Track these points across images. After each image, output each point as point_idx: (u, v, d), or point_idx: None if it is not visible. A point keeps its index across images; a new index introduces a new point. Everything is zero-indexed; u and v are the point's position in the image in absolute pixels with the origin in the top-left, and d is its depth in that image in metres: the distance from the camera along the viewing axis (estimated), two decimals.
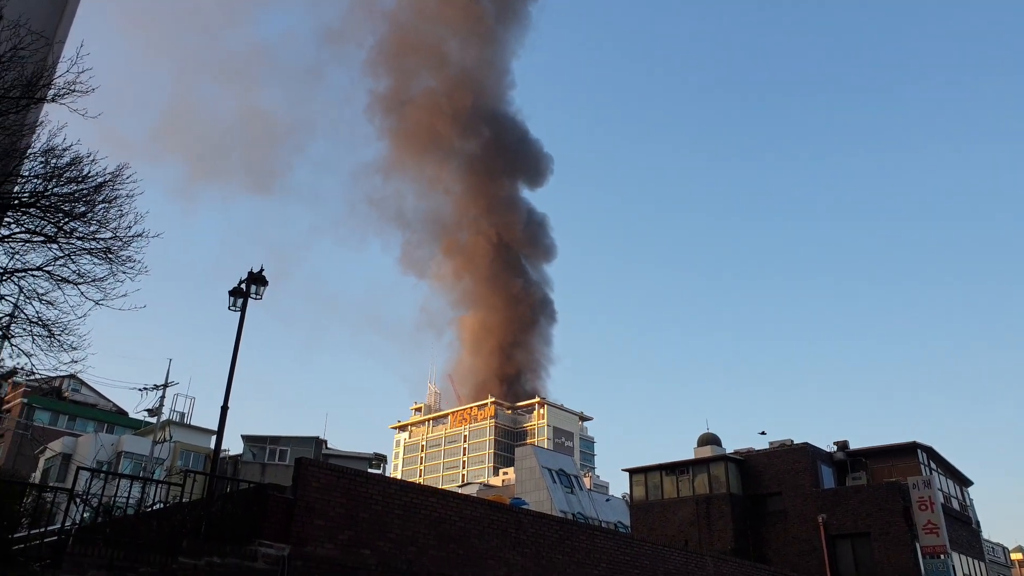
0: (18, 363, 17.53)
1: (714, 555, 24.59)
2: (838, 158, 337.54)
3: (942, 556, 33.11)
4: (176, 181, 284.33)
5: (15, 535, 12.63)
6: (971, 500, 44.12)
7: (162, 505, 13.33)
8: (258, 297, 21.76)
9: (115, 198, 15.45)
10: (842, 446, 40.77)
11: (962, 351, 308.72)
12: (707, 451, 42.26)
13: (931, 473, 37.90)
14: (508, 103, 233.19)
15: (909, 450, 38.85)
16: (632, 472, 43.33)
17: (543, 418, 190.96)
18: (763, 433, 60.71)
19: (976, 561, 39.17)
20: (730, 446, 43.67)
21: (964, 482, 43.91)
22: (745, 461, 40.09)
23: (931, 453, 39.58)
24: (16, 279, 15.14)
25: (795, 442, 40.46)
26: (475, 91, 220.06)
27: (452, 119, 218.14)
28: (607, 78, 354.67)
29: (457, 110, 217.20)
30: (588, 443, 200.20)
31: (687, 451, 46.46)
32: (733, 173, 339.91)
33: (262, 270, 21.83)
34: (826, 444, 40.76)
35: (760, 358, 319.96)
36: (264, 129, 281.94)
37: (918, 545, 33.64)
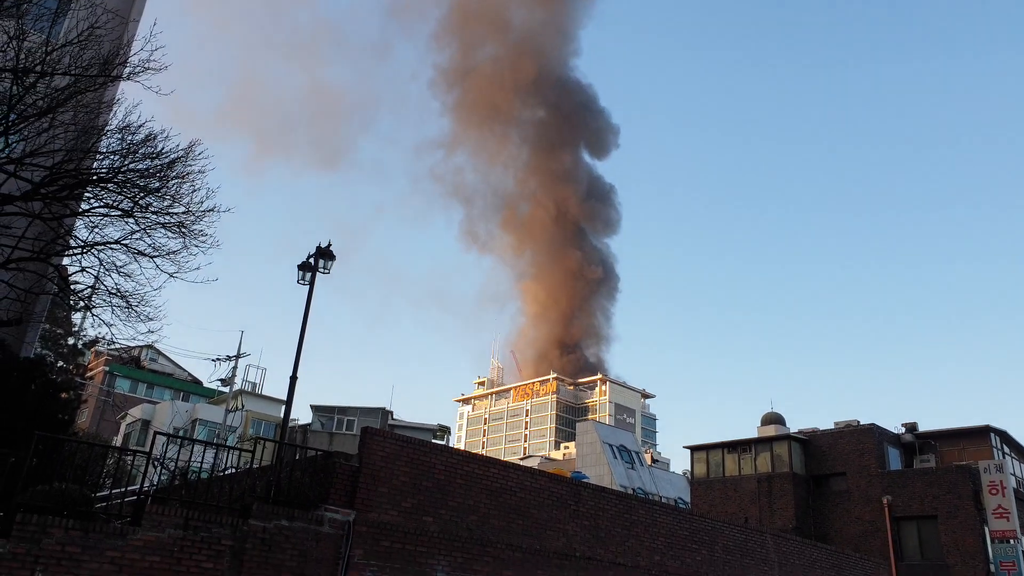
0: (99, 332, 18.38)
1: (774, 533, 24.38)
2: (934, 149, 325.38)
3: (1011, 541, 32.26)
4: (242, 157, 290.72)
5: (98, 494, 13.32)
6: None
7: (234, 470, 13.85)
8: (326, 271, 22.24)
9: (187, 174, 15.95)
10: (910, 428, 39.84)
11: None
12: (771, 430, 41.75)
13: (1004, 457, 36.78)
14: (573, 71, 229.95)
15: (981, 433, 37.82)
16: (694, 449, 43.11)
17: (605, 395, 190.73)
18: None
19: None
20: (794, 426, 43.08)
21: None
22: (809, 441, 39.48)
23: (1004, 437, 38.44)
24: (96, 252, 15.81)
25: (861, 423, 39.67)
26: (539, 60, 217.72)
27: (515, 90, 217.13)
28: (685, 44, 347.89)
29: (520, 80, 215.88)
30: (650, 420, 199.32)
31: (749, 430, 45.95)
32: (814, 154, 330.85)
33: (329, 245, 22.27)
34: (893, 426, 39.90)
35: (828, 337, 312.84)
36: (330, 105, 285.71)
37: (987, 529, 32.81)
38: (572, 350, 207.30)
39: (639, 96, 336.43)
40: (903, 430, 39.75)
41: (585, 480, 30.04)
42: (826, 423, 49.88)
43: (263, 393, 58.09)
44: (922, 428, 39.82)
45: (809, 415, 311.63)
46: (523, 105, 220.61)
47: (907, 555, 34.34)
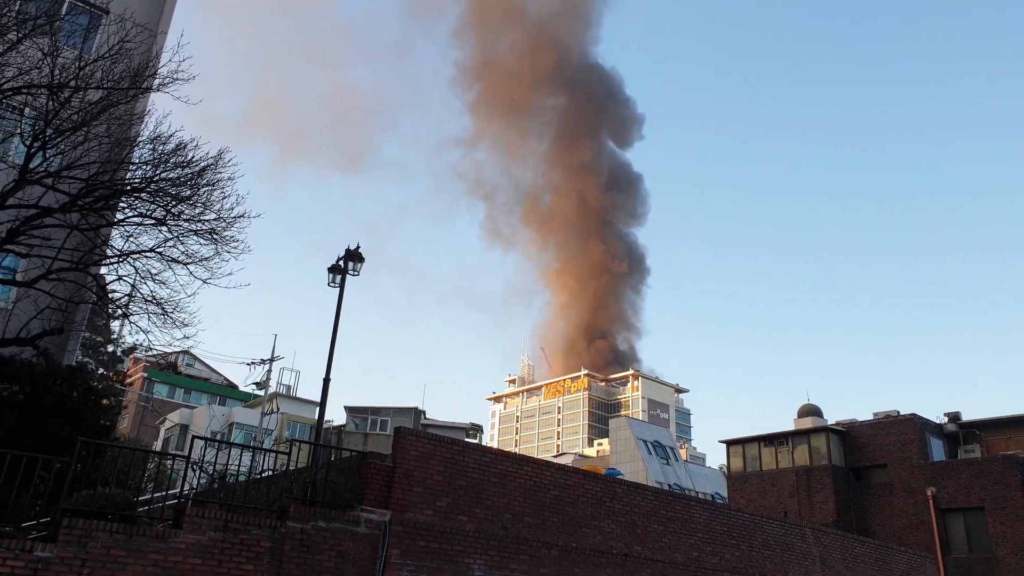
0: (137, 339, 18.72)
1: (814, 527, 24.07)
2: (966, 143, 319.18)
3: None
4: (267, 162, 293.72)
5: (141, 498, 13.57)
6: None
7: (271, 472, 14.02)
8: (355, 273, 22.42)
9: (217, 181, 16.18)
10: (953, 418, 39.05)
11: None
12: (808, 422, 41.21)
13: None
14: (594, 58, 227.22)
15: None
16: (729, 443, 42.71)
17: (637, 390, 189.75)
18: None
19: None
20: (831, 417, 42.49)
21: None
22: (848, 433, 38.90)
23: None
24: (131, 260, 16.12)
25: (901, 413, 39.00)
26: (558, 48, 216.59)
27: (534, 81, 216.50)
28: (710, 26, 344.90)
29: (539, 70, 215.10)
30: (684, 415, 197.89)
31: (786, 422, 45.41)
32: (848, 145, 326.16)
33: (358, 247, 22.45)
34: (935, 416, 39.14)
35: (863, 328, 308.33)
36: (352, 107, 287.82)
37: None
38: (602, 336, 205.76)
39: (668, 84, 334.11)
40: (945, 420, 38.97)
41: (620, 477, 29.93)
42: (864, 414, 49.23)
43: (297, 395, 58.76)
44: (965, 418, 39.03)
45: (846, 407, 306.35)
46: (543, 96, 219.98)
47: (954, 548, 33.69)
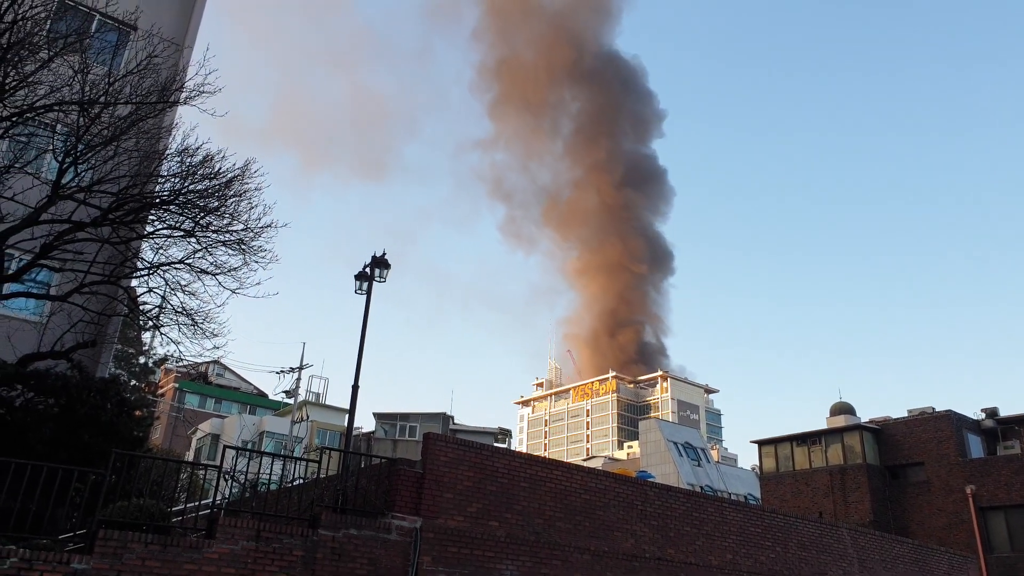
0: (168, 351, 18.94)
1: (850, 527, 23.70)
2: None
3: None
4: (290, 169, 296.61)
5: (174, 508, 13.69)
6: None
7: (302, 480, 14.09)
8: (382, 280, 22.50)
9: (244, 192, 16.33)
10: (991, 413, 38.29)
11: None
12: (840, 420, 40.67)
13: None
14: (614, 54, 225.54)
15: None
16: (761, 444, 42.27)
17: (666, 391, 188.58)
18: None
19: None
20: (864, 415, 41.87)
21: None
22: (882, 430, 38.32)
23: None
24: (161, 272, 16.31)
25: (936, 410, 38.33)
26: (576, 47, 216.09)
27: (552, 78, 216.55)
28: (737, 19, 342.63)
29: (558, 67, 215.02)
30: (714, 415, 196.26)
31: (818, 421, 44.84)
32: (875, 141, 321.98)
33: (384, 254, 22.53)
34: (972, 412, 38.43)
35: (894, 324, 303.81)
36: (373, 113, 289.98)
37: None
38: (626, 334, 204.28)
39: (693, 77, 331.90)
40: (983, 416, 38.23)
41: (651, 479, 29.72)
42: (898, 412, 48.49)
43: (327, 403, 59.04)
44: (1003, 413, 38.26)
45: (880, 404, 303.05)
46: (562, 93, 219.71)
47: (996, 547, 33.01)
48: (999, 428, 37.48)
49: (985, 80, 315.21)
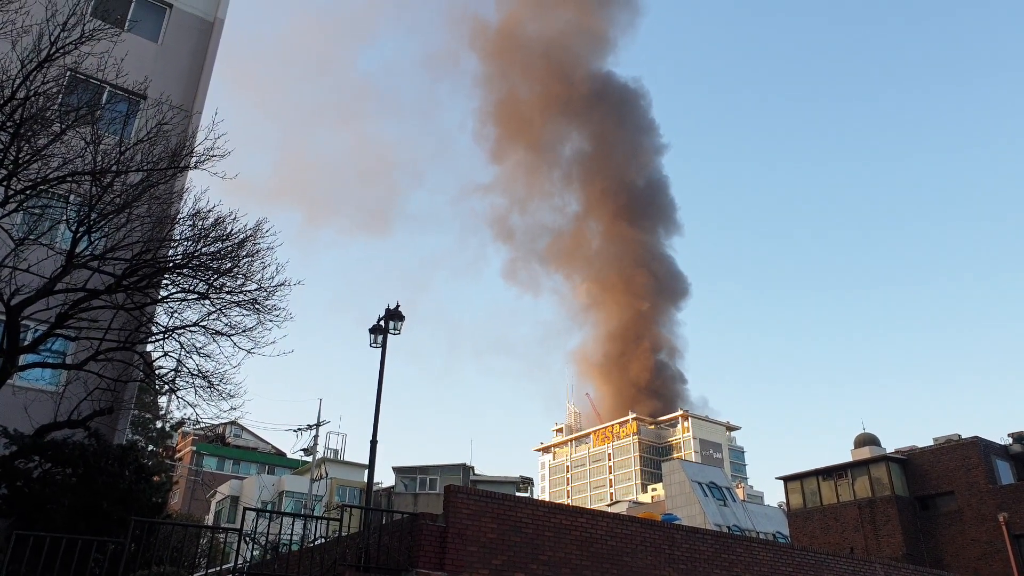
0: (185, 414, 18.90)
1: (884, 561, 23.12)
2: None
3: None
4: (295, 225, 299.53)
5: (195, 574, 13.52)
6: None
7: (323, 540, 13.92)
8: (396, 332, 22.51)
9: (257, 251, 16.44)
10: (1018, 438, 37.58)
11: None
12: (865, 452, 39.98)
13: None
14: (612, 88, 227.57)
15: None
16: (787, 480, 41.55)
17: (688, 431, 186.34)
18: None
19: None
20: (889, 445, 41.20)
21: None
22: (908, 460, 37.63)
23: None
24: (176, 336, 16.35)
25: (962, 437, 37.66)
26: (572, 84, 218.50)
27: (550, 116, 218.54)
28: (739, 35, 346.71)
29: (555, 104, 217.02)
30: (738, 453, 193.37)
31: (843, 454, 44.10)
32: (891, 164, 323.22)
33: (398, 306, 22.57)
34: (999, 437, 37.74)
35: (913, 353, 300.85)
36: (377, 166, 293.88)
37: None
38: (639, 354, 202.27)
39: (693, 105, 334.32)
40: (1010, 441, 37.53)
41: (677, 522, 29.19)
42: (923, 440, 47.69)
43: (345, 459, 58.62)
44: None
45: (903, 434, 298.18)
46: (561, 128, 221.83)
47: None
48: None
49: (994, 90, 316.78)
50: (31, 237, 15.16)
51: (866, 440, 41.67)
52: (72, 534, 10.79)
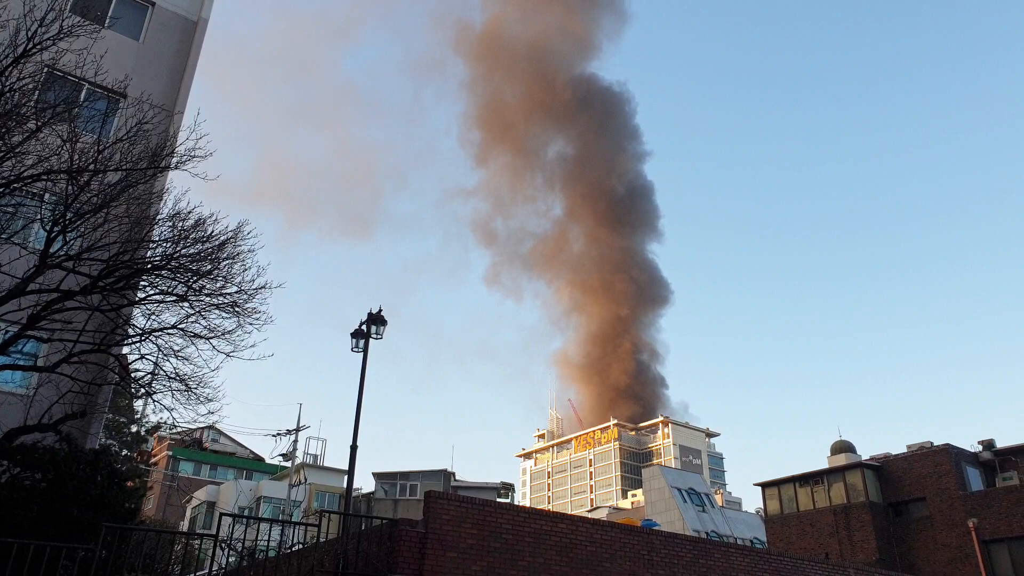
0: (161, 418, 18.62)
1: (858, 566, 23.29)
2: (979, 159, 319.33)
3: None
4: (275, 228, 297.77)
5: None
6: None
7: (301, 546, 13.76)
8: (379, 336, 22.31)
9: (237, 254, 16.24)
10: (987, 445, 38.04)
11: None
12: (841, 459, 40.34)
13: None
14: (594, 88, 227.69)
15: None
16: (765, 486, 41.79)
17: (668, 437, 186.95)
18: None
19: None
20: (865, 452, 41.58)
21: None
22: (882, 467, 37.98)
23: None
24: (154, 338, 16.11)
25: (934, 444, 38.09)
26: (554, 85, 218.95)
27: (533, 119, 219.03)
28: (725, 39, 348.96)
29: (538, 108, 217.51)
30: (717, 459, 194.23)
31: (820, 461, 44.45)
32: (870, 171, 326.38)
33: (380, 310, 22.40)
34: (969, 444, 38.20)
35: (888, 360, 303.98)
36: (360, 169, 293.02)
37: None
38: (619, 357, 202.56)
39: (677, 108, 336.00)
40: (980, 448, 38.01)
41: (656, 528, 29.24)
42: (897, 447, 48.15)
43: (325, 464, 58.18)
44: (1000, 444, 38.03)
45: (878, 441, 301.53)
46: (544, 132, 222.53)
47: None
48: (997, 460, 37.19)
49: (988, 87, 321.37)
50: (3, 236, 14.87)
51: (842, 447, 42.05)
52: (40, 541, 10.56)
